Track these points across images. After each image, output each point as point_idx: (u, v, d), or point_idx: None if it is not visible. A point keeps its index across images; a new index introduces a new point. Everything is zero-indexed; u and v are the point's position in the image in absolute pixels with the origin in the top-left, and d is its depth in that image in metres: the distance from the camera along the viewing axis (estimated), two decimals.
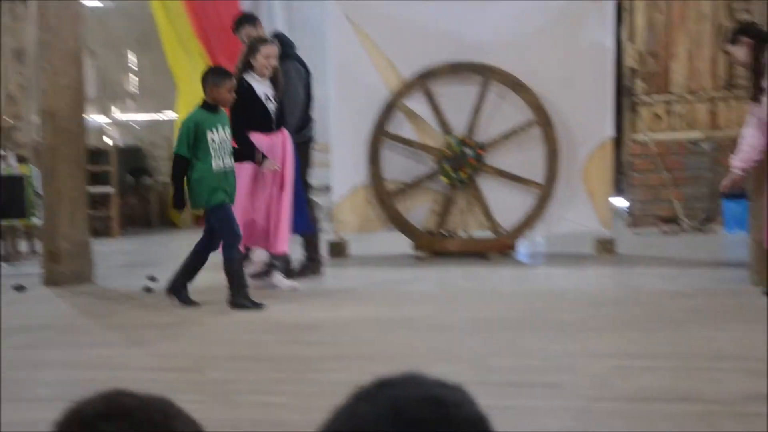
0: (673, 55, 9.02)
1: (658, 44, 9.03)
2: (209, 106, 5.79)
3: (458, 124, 7.68)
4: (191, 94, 10.66)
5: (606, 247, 7.57)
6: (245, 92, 6.20)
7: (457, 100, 7.70)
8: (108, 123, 11.22)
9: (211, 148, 5.76)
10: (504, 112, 7.66)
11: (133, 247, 9.08)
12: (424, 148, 7.76)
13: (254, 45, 6.35)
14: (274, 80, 6.38)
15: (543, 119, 7.51)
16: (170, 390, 3.98)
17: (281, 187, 6.35)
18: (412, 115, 7.80)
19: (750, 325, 5.03)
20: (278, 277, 6.49)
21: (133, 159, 10.26)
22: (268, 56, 6.29)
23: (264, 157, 6.27)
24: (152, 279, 6.86)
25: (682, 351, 4.53)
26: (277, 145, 6.37)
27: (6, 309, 6.04)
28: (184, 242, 9.50)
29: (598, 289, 6.28)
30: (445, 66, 7.64)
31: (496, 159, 7.66)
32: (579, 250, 7.72)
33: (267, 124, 6.34)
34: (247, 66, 6.29)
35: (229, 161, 5.84)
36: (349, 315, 5.64)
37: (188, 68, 10.68)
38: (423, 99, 7.73)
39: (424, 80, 7.69)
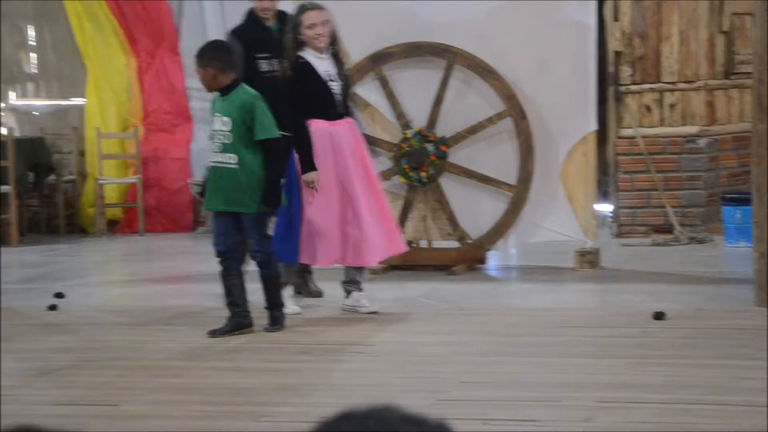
0: (665, 37, 9.15)
1: (648, 24, 9.15)
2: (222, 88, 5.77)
3: (417, 115, 7.71)
4: (103, 76, 10.59)
5: (588, 259, 7.65)
6: (302, 70, 6.06)
7: (415, 87, 7.72)
8: (2, 109, 11.09)
9: (212, 138, 5.80)
10: (470, 102, 7.70)
11: (35, 257, 8.99)
12: (377, 142, 7.78)
13: (296, 15, 6.19)
14: (336, 55, 6.23)
15: (515, 110, 7.57)
16: (81, 427, 3.98)
17: (355, 185, 6.18)
18: (363, 105, 7.81)
19: (752, 351, 5.12)
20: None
21: (34, 152, 10.13)
22: (311, 25, 6.11)
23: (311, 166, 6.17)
24: (59, 296, 6.81)
25: (675, 382, 4.61)
26: (341, 135, 6.22)
27: None
28: (96, 251, 9.46)
29: (580, 309, 6.35)
30: (401, 47, 7.67)
31: (461, 156, 7.70)
32: (558, 263, 7.78)
33: (330, 109, 6.21)
34: (300, 42, 6.14)
35: (223, 157, 5.71)
36: (293, 338, 5.65)
37: (99, 45, 10.61)
38: (376, 86, 7.76)
39: (377, 64, 7.72)
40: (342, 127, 6.23)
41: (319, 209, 6.17)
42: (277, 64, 6.46)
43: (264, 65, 6.57)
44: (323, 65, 6.19)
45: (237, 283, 5.78)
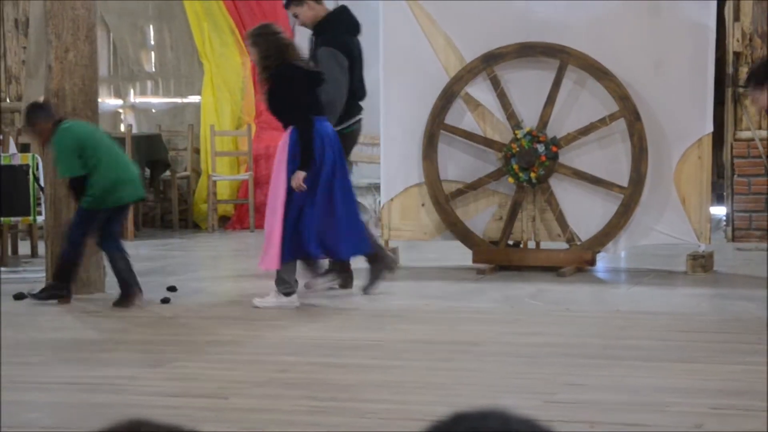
0: None
1: None
2: None
3: (529, 115, 7.66)
4: (219, 75, 10.76)
5: (701, 263, 7.50)
6: None
7: (527, 87, 7.68)
8: (122, 107, 11.35)
9: None
10: (582, 103, 7.63)
11: (150, 251, 9.17)
12: (487, 143, 7.75)
13: None
14: None
15: (629, 111, 7.47)
16: (191, 419, 4.04)
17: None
18: (474, 105, 7.79)
19: None
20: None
21: (150, 149, 10.33)
22: None
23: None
24: (172, 289, 6.94)
25: None
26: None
27: (2, 320, 6.15)
28: (208, 247, 9.62)
29: (692, 314, 6.23)
30: (514, 47, 7.63)
31: (572, 157, 7.63)
32: (669, 266, 7.66)
33: None
34: None
35: None
36: (396, 336, 5.67)
37: (216, 44, 10.78)
38: (488, 86, 7.73)
39: (489, 64, 7.69)
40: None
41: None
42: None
43: None
44: None
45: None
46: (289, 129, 6.42)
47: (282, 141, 6.48)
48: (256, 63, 6.54)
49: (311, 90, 6.45)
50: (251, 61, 6.74)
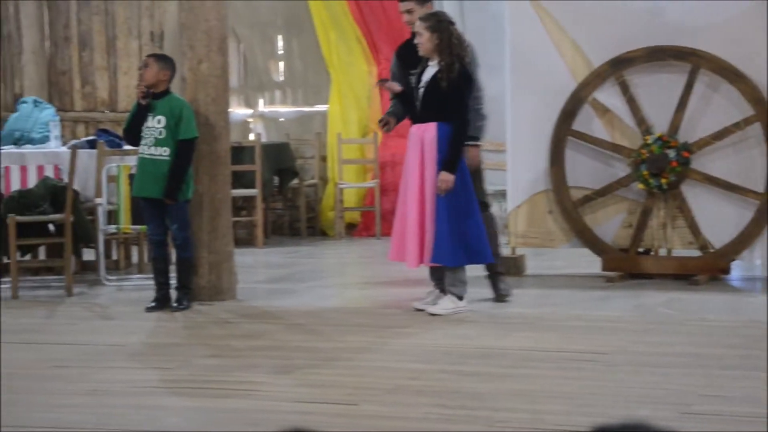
0: None
1: None
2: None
3: (659, 120, 7.54)
4: (345, 83, 10.85)
5: None
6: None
7: (657, 92, 7.56)
8: (252, 116, 11.53)
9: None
10: (715, 107, 7.47)
11: (279, 258, 9.30)
12: (616, 148, 7.64)
13: None
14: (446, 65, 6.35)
15: (764, 115, 7.28)
16: (321, 425, 4.07)
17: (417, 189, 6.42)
18: (603, 110, 7.70)
19: None
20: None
21: (279, 157, 10.48)
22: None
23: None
24: None
25: None
26: (414, 138, 6.44)
27: (137, 325, 6.30)
28: (335, 254, 9.71)
29: None
30: (643, 51, 7.52)
31: (704, 163, 7.47)
32: None
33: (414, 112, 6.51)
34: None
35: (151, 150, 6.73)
36: (524, 344, 5.63)
37: (342, 53, 10.88)
38: (616, 91, 7.63)
39: (618, 68, 7.58)
40: (416, 129, 6.43)
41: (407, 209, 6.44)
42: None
43: (413, 80, 6.62)
44: (427, 71, 6.38)
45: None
46: (433, 125, 6.34)
47: (425, 137, 6.36)
48: (429, 49, 6.32)
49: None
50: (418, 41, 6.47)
